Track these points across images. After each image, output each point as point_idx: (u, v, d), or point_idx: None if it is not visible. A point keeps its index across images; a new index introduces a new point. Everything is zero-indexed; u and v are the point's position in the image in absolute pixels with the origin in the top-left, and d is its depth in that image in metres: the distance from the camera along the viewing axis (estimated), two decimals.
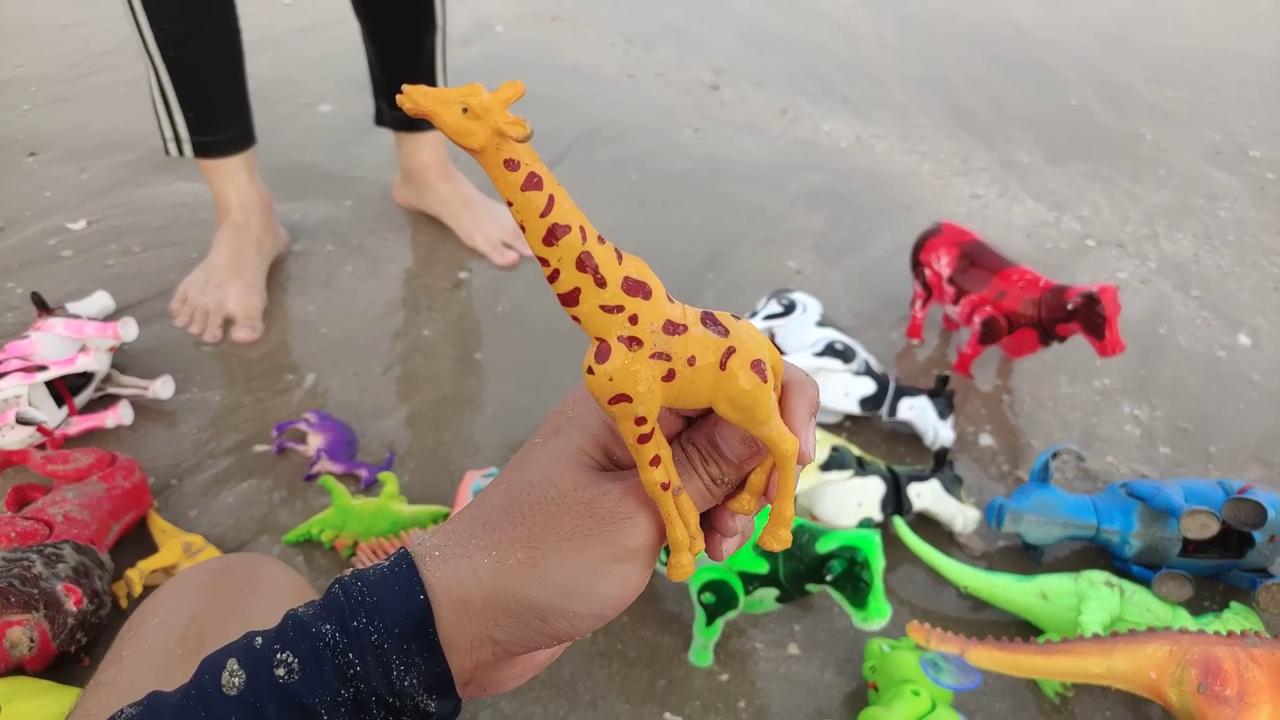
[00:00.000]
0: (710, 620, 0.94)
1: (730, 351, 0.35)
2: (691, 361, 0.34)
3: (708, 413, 0.39)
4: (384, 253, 1.57)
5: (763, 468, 0.39)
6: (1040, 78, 2.39)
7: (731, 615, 0.93)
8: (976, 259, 1.34)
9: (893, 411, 1.24)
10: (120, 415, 1.18)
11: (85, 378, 1.20)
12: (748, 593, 0.92)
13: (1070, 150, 2.05)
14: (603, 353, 0.34)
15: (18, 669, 0.86)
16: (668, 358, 0.34)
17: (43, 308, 1.22)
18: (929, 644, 0.92)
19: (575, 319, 0.34)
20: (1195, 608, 1.06)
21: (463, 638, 0.37)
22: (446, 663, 0.37)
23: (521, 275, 1.53)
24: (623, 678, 0.96)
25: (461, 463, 1.18)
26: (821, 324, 1.30)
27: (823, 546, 0.89)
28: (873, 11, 2.76)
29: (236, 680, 0.36)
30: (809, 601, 1.04)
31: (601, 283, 0.33)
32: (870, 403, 1.24)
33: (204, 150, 1.36)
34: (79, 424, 1.16)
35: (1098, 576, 1.00)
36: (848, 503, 1.07)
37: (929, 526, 1.13)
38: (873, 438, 1.25)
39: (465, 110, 0.30)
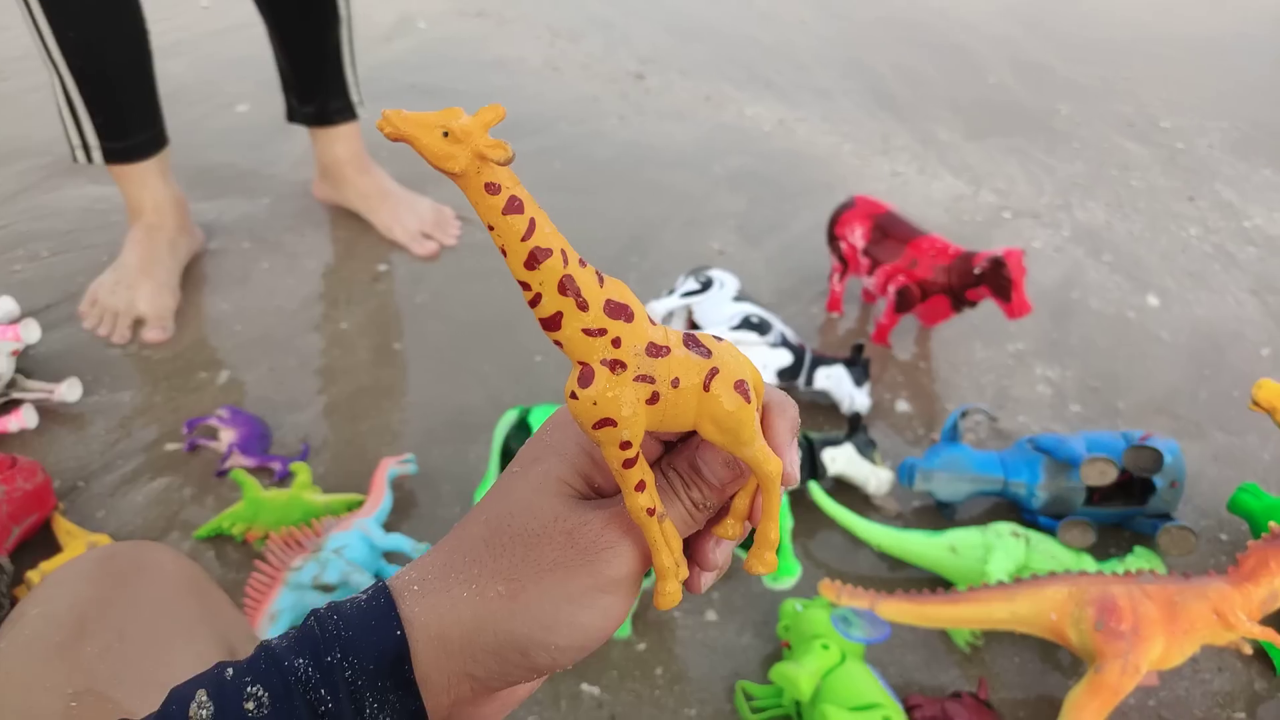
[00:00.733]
0: None
1: (714, 372, 0.34)
2: (675, 383, 0.34)
3: (688, 436, 0.39)
4: (302, 248, 1.55)
5: (745, 491, 0.38)
6: (959, 58, 2.43)
7: (646, 584, 0.94)
8: (889, 230, 1.36)
9: (810, 381, 1.25)
10: (24, 419, 1.15)
11: None
12: None
13: (988, 126, 2.09)
14: (586, 377, 0.33)
15: None
16: (651, 380, 0.34)
17: None
18: (840, 600, 0.93)
19: (557, 343, 0.33)
20: (1102, 554, 1.09)
21: (440, 675, 0.37)
22: (422, 701, 0.36)
23: (442, 266, 1.53)
24: None
25: (378, 451, 1.18)
26: (738, 299, 1.31)
27: None
28: None
29: (204, 713, 0.35)
30: (730, 567, 1.05)
31: (584, 306, 0.33)
32: (787, 373, 1.25)
33: (115, 156, 1.34)
34: None
35: (1004, 528, 1.02)
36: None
37: (845, 491, 1.14)
38: None
39: (446, 134, 0.30)
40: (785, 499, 0.90)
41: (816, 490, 1.08)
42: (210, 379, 1.28)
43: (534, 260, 0.32)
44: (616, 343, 0.33)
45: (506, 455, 0.99)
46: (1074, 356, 1.42)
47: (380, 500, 1.05)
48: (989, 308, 1.34)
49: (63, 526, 1.03)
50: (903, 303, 1.34)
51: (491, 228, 0.32)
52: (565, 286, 0.32)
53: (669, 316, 1.31)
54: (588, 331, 0.33)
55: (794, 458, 0.38)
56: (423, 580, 0.38)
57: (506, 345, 1.37)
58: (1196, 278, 1.62)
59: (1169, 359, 1.43)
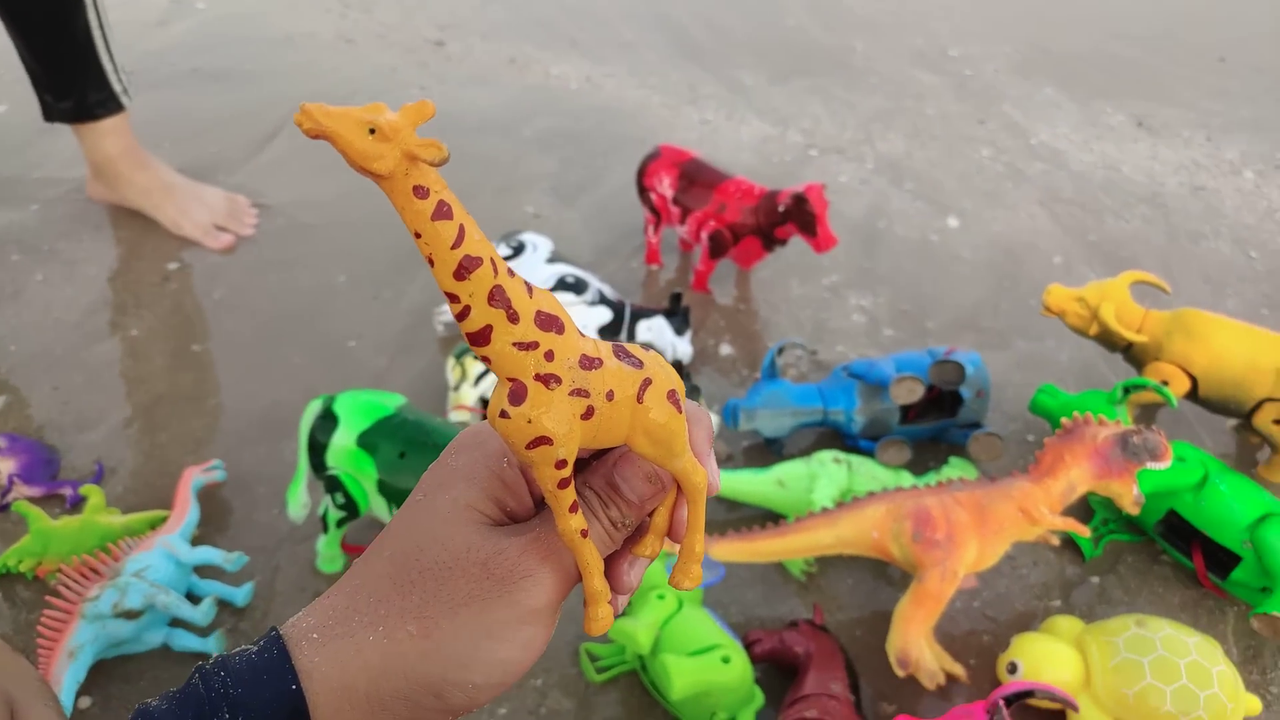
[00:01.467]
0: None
1: (646, 384, 0.33)
2: (610, 396, 0.32)
3: (603, 453, 0.37)
4: (80, 254, 1.43)
5: (664, 506, 0.37)
6: (758, 3, 2.46)
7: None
8: (695, 177, 1.37)
9: (631, 335, 1.25)
10: None
11: None
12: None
13: (790, 68, 2.13)
14: (518, 393, 0.31)
15: None
16: (586, 394, 0.32)
17: None
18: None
19: (485, 359, 0.31)
20: (920, 468, 1.13)
21: None
22: None
23: (239, 258, 1.43)
24: None
25: (181, 462, 1.10)
26: (552, 260, 1.29)
27: None
28: None
29: None
30: None
31: (514, 318, 0.30)
32: (608, 330, 1.24)
33: None
34: None
35: (826, 456, 1.04)
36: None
37: None
38: None
39: (372, 131, 0.27)
40: None
41: None
42: None
43: (463, 270, 0.29)
44: (549, 356, 0.31)
45: (314, 448, 0.93)
46: (884, 283, 1.47)
47: (185, 513, 0.98)
48: (804, 245, 1.36)
49: None
50: (716, 248, 1.35)
51: (418, 235, 0.29)
52: (494, 297, 0.30)
53: None
54: (519, 345, 0.31)
55: (714, 467, 0.37)
56: (323, 627, 0.35)
57: (316, 334, 1.30)
58: (991, 196, 1.70)
59: (971, 276, 1.50)
